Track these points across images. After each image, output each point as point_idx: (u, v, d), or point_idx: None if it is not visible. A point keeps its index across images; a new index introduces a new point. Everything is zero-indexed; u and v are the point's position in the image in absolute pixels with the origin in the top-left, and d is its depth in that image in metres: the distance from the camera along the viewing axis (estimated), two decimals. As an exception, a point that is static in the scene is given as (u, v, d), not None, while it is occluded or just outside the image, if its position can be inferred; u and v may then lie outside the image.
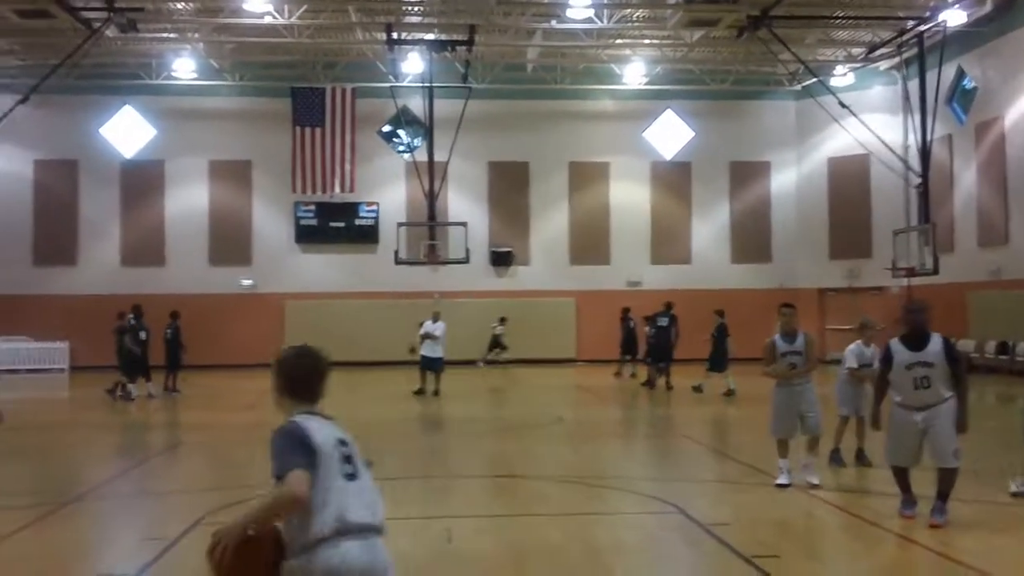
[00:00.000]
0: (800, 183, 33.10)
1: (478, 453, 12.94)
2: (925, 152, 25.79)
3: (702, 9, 25.48)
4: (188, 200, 31.92)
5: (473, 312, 30.58)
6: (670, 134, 33.14)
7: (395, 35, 26.16)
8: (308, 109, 31.19)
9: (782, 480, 9.73)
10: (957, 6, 24.85)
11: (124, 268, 31.41)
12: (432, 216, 26.78)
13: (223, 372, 27.51)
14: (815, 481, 9.52)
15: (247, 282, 31.80)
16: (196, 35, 28.05)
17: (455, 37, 26.69)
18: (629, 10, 26.86)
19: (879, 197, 30.98)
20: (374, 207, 32.07)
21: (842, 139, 29.56)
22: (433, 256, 26.75)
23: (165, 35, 28.15)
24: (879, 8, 26.76)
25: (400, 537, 8.00)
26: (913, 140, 27.04)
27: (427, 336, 20.54)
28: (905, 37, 26.63)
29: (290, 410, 3.81)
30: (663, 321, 22.04)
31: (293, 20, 26.13)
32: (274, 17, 26.05)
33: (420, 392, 20.56)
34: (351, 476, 3.67)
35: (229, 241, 31.93)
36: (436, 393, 20.40)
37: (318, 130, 31.20)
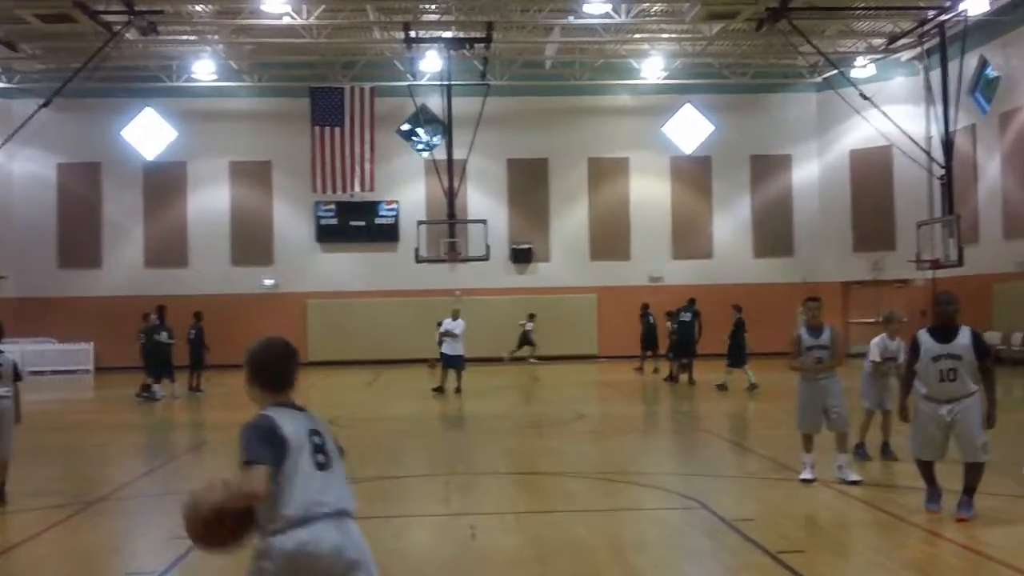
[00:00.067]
0: (822, 176, 32.89)
1: (501, 450, 12.94)
2: (948, 143, 25.55)
3: (720, 2, 25.36)
4: (210, 201, 32.13)
5: (494, 309, 30.62)
6: (690, 128, 33.02)
7: (413, 34, 26.19)
8: (327, 109, 31.30)
9: (806, 475, 9.66)
10: (979, -5, 24.62)
11: (147, 269, 31.68)
12: (452, 214, 26.81)
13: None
14: (855, 478, 9.41)
15: (269, 282, 31.97)
16: (215, 37, 28.21)
17: (473, 35, 26.68)
18: (647, 4, 26.76)
19: (902, 189, 30.73)
20: (394, 206, 32.15)
21: (864, 131, 29.36)
22: (453, 254, 26.78)
23: (185, 37, 28.34)
24: (900, -2, 26.55)
25: (424, 534, 8.04)
26: (936, 131, 26.79)
27: (447, 334, 20.56)
28: (926, 27, 26.38)
29: (261, 401, 3.86)
30: (686, 316, 21.97)
31: (311, 20, 26.21)
32: (292, 18, 26.14)
33: (440, 390, 20.59)
34: (322, 466, 3.73)
35: (251, 241, 32.11)
36: (458, 390, 20.43)
37: (337, 130, 31.30)
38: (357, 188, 31.48)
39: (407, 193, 32.17)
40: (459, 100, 27.27)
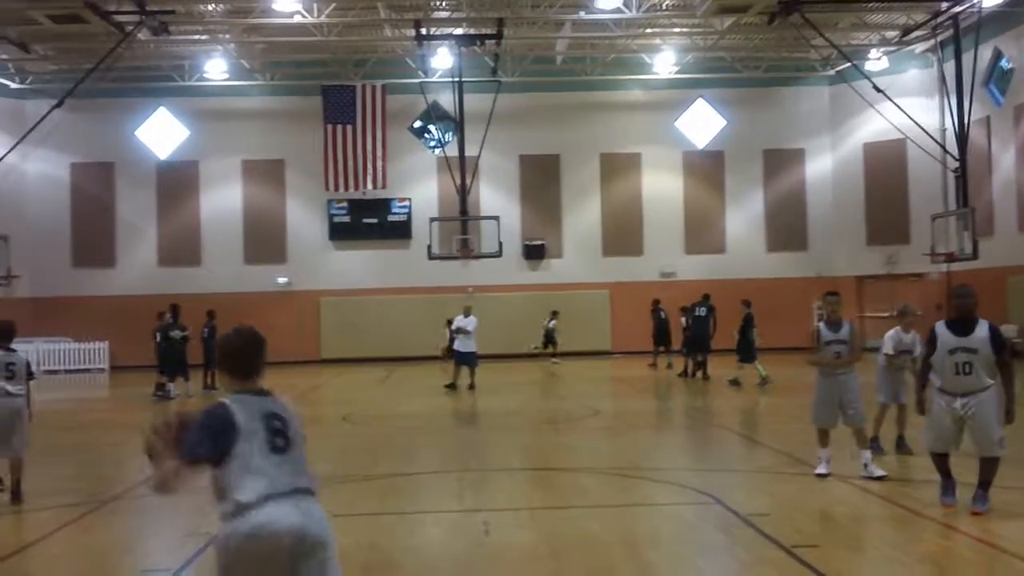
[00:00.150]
0: (835, 169, 32.74)
1: (515, 446, 12.93)
2: (962, 135, 25.38)
3: (732, -4, 25.24)
4: (223, 200, 32.24)
5: (507, 306, 30.64)
6: (702, 123, 32.93)
7: (423, 31, 26.19)
8: (339, 107, 31.34)
9: (821, 470, 9.62)
10: (993, -14, 24.45)
11: (161, 268, 31.81)
12: (464, 211, 26.81)
13: (260, 370, 27.67)
14: (880, 474, 9.34)
15: (282, 280, 32.06)
16: (227, 36, 28.27)
17: (483, 31, 26.65)
18: (658, -1, 26.70)
19: (916, 182, 30.57)
20: (406, 203, 32.17)
21: (877, 124, 29.22)
22: (466, 251, 26.79)
23: (196, 37, 28.40)
24: (913, -11, 26.39)
25: (438, 530, 8.04)
26: (950, 123, 26.62)
27: (459, 331, 20.55)
28: (940, 19, 26.22)
29: (229, 386, 4.07)
30: (701, 311, 21.90)
31: (322, 19, 26.24)
32: (303, 16, 26.18)
33: (452, 387, 20.59)
34: (280, 449, 3.91)
35: (264, 239, 32.20)
36: (471, 387, 20.43)
37: (349, 128, 31.34)
38: (369, 186, 31.51)
39: (419, 190, 32.19)
40: (470, 97, 27.26)
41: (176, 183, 32.19)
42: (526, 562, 6.93)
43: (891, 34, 29.24)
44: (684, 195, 32.81)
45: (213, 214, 32.25)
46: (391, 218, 32.25)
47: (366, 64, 31.60)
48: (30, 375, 9.63)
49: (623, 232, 32.56)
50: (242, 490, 3.77)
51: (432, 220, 28.15)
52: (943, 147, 27.16)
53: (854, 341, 9.68)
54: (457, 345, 20.77)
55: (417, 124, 32.49)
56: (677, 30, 29.12)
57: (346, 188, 31.53)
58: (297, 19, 26.43)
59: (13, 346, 9.58)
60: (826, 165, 32.89)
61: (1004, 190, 27.32)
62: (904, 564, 6.69)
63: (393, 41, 29.44)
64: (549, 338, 29.31)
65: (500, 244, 26.85)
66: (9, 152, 27.29)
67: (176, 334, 20.83)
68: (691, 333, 22.37)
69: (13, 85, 30.69)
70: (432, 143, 32.37)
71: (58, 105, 25.96)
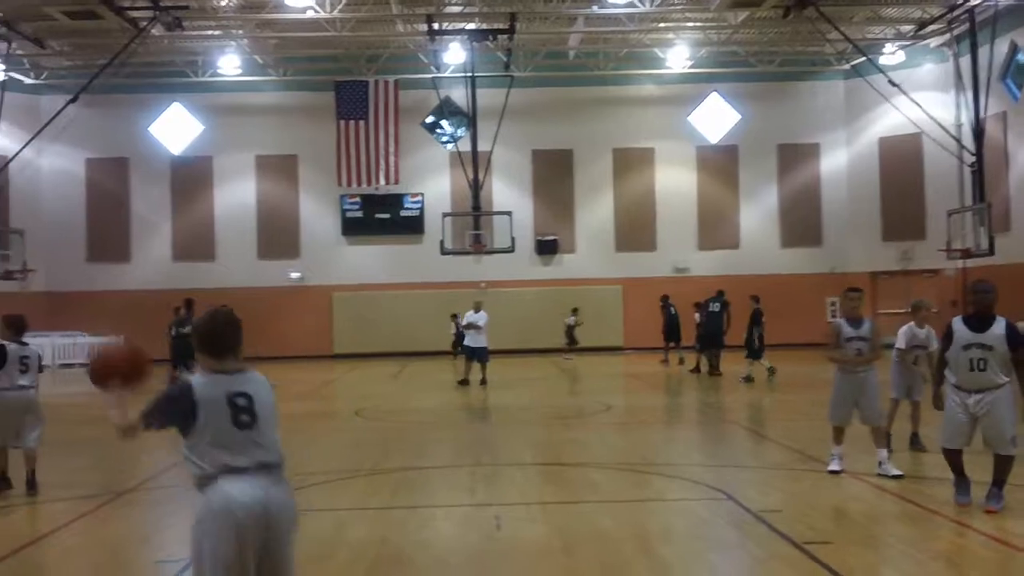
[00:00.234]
0: (850, 164, 32.60)
1: (526, 441, 12.93)
2: (978, 130, 25.24)
3: (746, -11, 25.16)
4: (236, 195, 32.35)
5: (519, 301, 30.64)
6: (716, 118, 32.83)
7: (436, 26, 26.20)
8: (352, 102, 31.39)
9: (834, 467, 9.57)
10: (1010, -21, 24.27)
11: (175, 263, 31.96)
12: (477, 206, 26.82)
13: (273, 364, 27.80)
14: (896, 473, 9.28)
15: (295, 275, 32.15)
16: (240, 31, 28.35)
17: (496, 26, 26.66)
18: (671, -7, 26.63)
19: (932, 177, 30.39)
20: (419, 198, 32.20)
21: (893, 119, 29.06)
22: (478, 246, 26.80)
23: (210, 32, 28.49)
24: (928, -17, 26.24)
25: (450, 524, 8.05)
26: (966, 118, 26.48)
27: (470, 326, 20.56)
28: (956, 12, 26.06)
29: (203, 365, 4.31)
30: (714, 307, 21.86)
31: (335, 14, 26.27)
32: (316, 11, 26.21)
33: (464, 382, 20.59)
34: (244, 425, 4.15)
35: (277, 234, 32.30)
36: (483, 382, 20.44)
37: (362, 123, 31.39)
38: (382, 181, 31.56)
39: (432, 185, 32.21)
40: (483, 92, 27.25)
41: (190, 178, 32.31)
42: (538, 556, 6.93)
43: (906, 28, 29.07)
44: (697, 190, 32.72)
45: (227, 209, 32.36)
46: (404, 213, 32.29)
47: (379, 59, 31.63)
48: (39, 368, 9.72)
49: (636, 227, 32.50)
50: (203, 461, 4.08)
51: (445, 215, 28.18)
52: (959, 142, 26.99)
53: (875, 338, 9.61)
54: (468, 340, 20.78)
55: (430, 119, 32.50)
56: (691, 24, 29.03)
57: (359, 183, 31.58)
58: (310, 14, 26.48)
59: (25, 339, 9.66)
60: (841, 160, 32.74)
61: (1021, 185, 27.12)
62: (918, 561, 6.66)
63: (405, 36, 29.46)
64: (570, 335, 29.31)
65: (513, 239, 26.85)
66: (24, 147, 27.47)
67: (188, 329, 20.89)
68: (704, 329, 22.31)
69: (28, 80, 30.85)
70: (445, 138, 32.38)
71: (73, 100, 26.11)
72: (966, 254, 25.58)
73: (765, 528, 7.46)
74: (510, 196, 31.54)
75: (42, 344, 28.66)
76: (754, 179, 32.72)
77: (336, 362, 30.27)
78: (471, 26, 27.41)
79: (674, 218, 32.47)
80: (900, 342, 10.81)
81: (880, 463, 9.41)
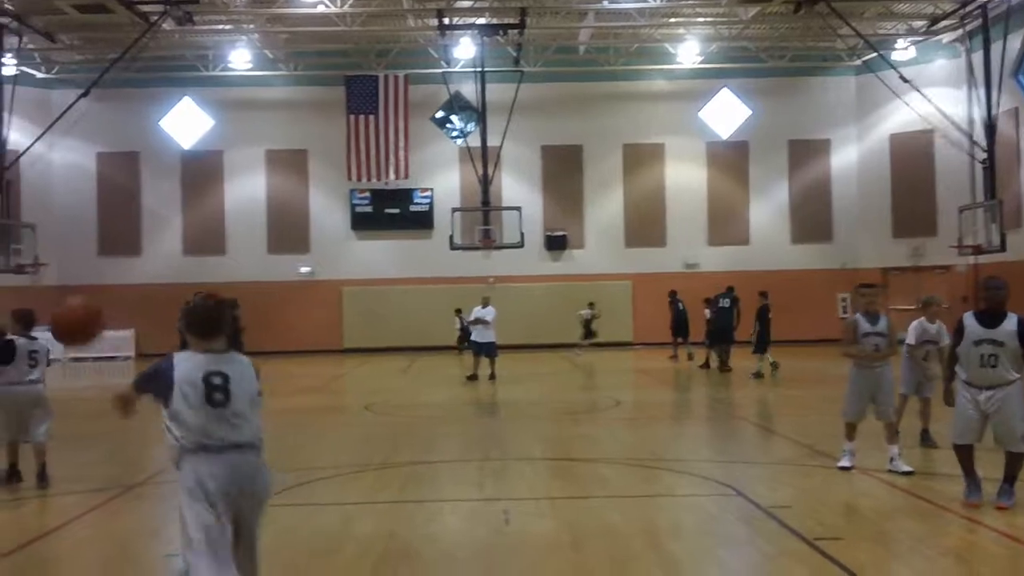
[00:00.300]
0: (861, 160, 32.47)
1: (535, 436, 12.93)
2: (990, 126, 25.12)
3: (757, -15, 25.06)
4: (246, 189, 32.41)
5: (528, 296, 30.63)
6: (726, 113, 32.73)
7: (446, 20, 26.18)
8: (362, 97, 31.38)
9: (845, 463, 9.54)
10: (1023, -26, 24.11)
11: (186, 257, 32.04)
12: (486, 201, 26.82)
13: (283, 358, 27.89)
14: (907, 469, 9.24)
15: (305, 269, 32.20)
16: (251, 26, 28.37)
17: (506, 21, 26.60)
18: (682, -12, 26.53)
19: (943, 173, 30.24)
20: (428, 193, 32.21)
21: (904, 115, 28.94)
22: (488, 241, 26.80)
23: (220, 27, 28.52)
24: (941, -21, 26.09)
25: (458, 518, 8.05)
26: (978, 114, 26.34)
27: (478, 321, 20.55)
28: (968, 8, 25.94)
29: (191, 345, 4.63)
30: (724, 303, 21.82)
31: (345, 8, 26.27)
32: (326, 6, 26.22)
33: (473, 378, 20.58)
34: (218, 403, 4.44)
35: (287, 229, 32.36)
36: (492, 377, 20.44)
37: (372, 118, 31.38)
38: (392, 176, 31.56)
39: (441, 180, 32.21)
40: (493, 87, 27.22)
41: (200, 173, 32.39)
42: (547, 551, 6.92)
43: (918, 23, 28.93)
44: (707, 186, 32.65)
45: (237, 204, 32.43)
46: (413, 208, 32.30)
47: (389, 54, 31.62)
48: (48, 363, 9.80)
49: (646, 223, 32.45)
50: (175, 434, 4.41)
51: (454, 210, 28.18)
52: (971, 138, 26.86)
53: (891, 334, 9.59)
54: (476, 335, 20.78)
55: (439, 114, 32.48)
56: (701, 19, 28.93)
57: (368, 178, 31.59)
58: (320, 9, 26.49)
59: (34, 334, 9.71)
60: (852, 156, 32.62)
61: (1033, 182, 26.98)
62: (928, 557, 6.64)
63: (416, 31, 29.44)
64: (587, 328, 29.32)
65: (522, 234, 26.83)
66: (36, 141, 27.56)
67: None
68: (715, 325, 22.27)
69: (39, 75, 30.94)
70: (454, 133, 32.35)
71: (84, 95, 26.19)
72: (977, 250, 25.47)
73: (775, 524, 7.45)
74: (519, 191, 31.52)
75: (52, 338, 28.82)
76: (764, 175, 32.62)
77: (346, 356, 30.32)
78: (481, 21, 27.37)
79: (684, 214, 32.40)
80: (910, 337, 10.78)
81: (891, 459, 9.38)
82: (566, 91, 31.87)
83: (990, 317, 7.80)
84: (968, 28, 27.35)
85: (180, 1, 24.09)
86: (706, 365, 22.51)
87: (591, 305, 28.90)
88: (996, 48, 24.80)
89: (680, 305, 25.33)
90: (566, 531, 7.43)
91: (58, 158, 31.92)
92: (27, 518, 8.61)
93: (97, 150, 32.24)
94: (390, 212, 32.26)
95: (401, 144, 31.46)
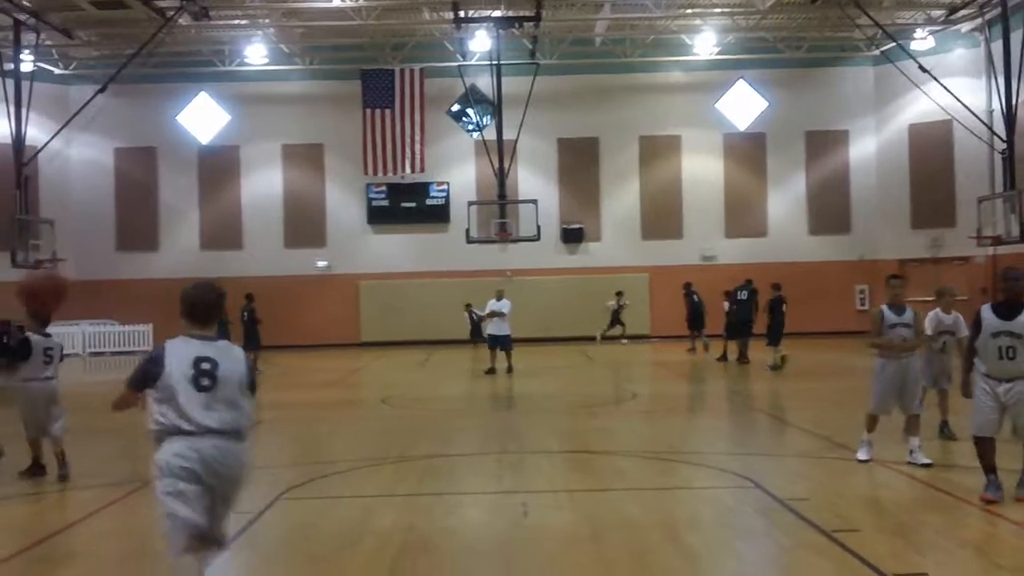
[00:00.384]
0: (880, 151, 32.25)
1: (552, 429, 12.93)
2: (1010, 116, 24.83)
3: (774, -25, 24.90)
4: (263, 184, 32.52)
5: (545, 289, 30.62)
6: (743, 105, 32.56)
7: (461, 13, 26.14)
8: (377, 91, 31.39)
9: (863, 455, 9.50)
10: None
11: (203, 252, 32.18)
12: (502, 194, 26.78)
13: (301, 352, 28.01)
14: (926, 461, 9.18)
15: (322, 263, 32.29)
16: (266, 21, 28.43)
17: (521, 13, 26.56)
18: (698, -21, 26.39)
19: (962, 164, 29.99)
20: (444, 187, 32.22)
21: (923, 105, 28.70)
22: (504, 234, 26.77)
23: (236, 22, 28.59)
24: (960, -33, 25.84)
25: (477, 511, 8.07)
26: (997, 104, 26.06)
27: (493, 314, 20.55)
28: (988, -4, 25.65)
29: (185, 327, 4.81)
30: (743, 295, 21.79)
31: (361, 2, 26.29)
32: (342, 0, 26.22)
33: (492, 371, 20.55)
34: (204, 388, 4.60)
35: (304, 223, 32.45)
36: (509, 370, 20.44)
37: (388, 112, 31.38)
38: (408, 170, 31.57)
39: (457, 174, 32.21)
40: (508, 80, 27.18)
41: (217, 167, 32.51)
42: (565, 544, 6.93)
43: (937, 13, 28.67)
44: (725, 178, 32.51)
45: (254, 198, 32.54)
46: (429, 202, 32.33)
47: (404, 48, 31.62)
48: (60, 359, 9.97)
49: (662, 215, 32.36)
50: (158, 416, 4.58)
51: (470, 204, 28.17)
52: (990, 128, 26.61)
53: (918, 325, 9.54)
54: (491, 329, 20.78)
55: (455, 108, 32.47)
56: (718, 10, 28.78)
57: (384, 172, 31.62)
58: (336, 3, 26.52)
59: (48, 331, 9.84)
60: (870, 147, 32.41)
61: (1053, 172, 26.70)
62: (946, 550, 6.61)
63: (431, 24, 29.43)
64: (615, 318, 29.28)
65: (538, 228, 26.80)
66: (54, 137, 27.72)
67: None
68: (733, 317, 22.21)
69: (57, 71, 31.11)
70: (470, 126, 32.34)
71: (101, 90, 26.31)
72: (996, 241, 25.25)
73: (792, 516, 7.43)
74: (535, 184, 31.48)
75: (72, 333, 29.10)
76: (782, 166, 32.46)
77: (363, 350, 30.41)
78: (497, 13, 27.32)
79: (701, 206, 32.29)
80: (927, 328, 10.71)
81: (911, 451, 9.33)
82: (582, 83, 31.79)
83: (1008, 309, 7.73)
84: (987, 17, 27.09)
85: (196, -4, 24.17)
86: (723, 357, 22.45)
87: (619, 294, 28.80)
88: (1016, 37, 24.53)
89: (695, 297, 25.28)
90: (585, 523, 7.44)
91: (76, 154, 32.11)
92: (48, 512, 8.70)
93: (114, 146, 32.42)
94: (406, 206, 32.29)
95: (417, 138, 31.47)
